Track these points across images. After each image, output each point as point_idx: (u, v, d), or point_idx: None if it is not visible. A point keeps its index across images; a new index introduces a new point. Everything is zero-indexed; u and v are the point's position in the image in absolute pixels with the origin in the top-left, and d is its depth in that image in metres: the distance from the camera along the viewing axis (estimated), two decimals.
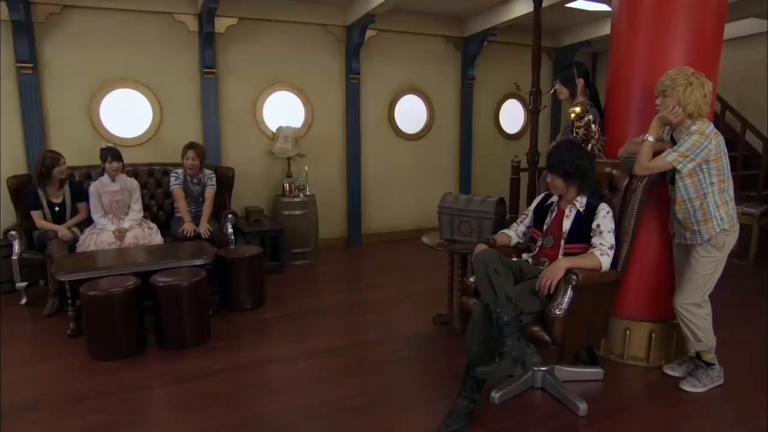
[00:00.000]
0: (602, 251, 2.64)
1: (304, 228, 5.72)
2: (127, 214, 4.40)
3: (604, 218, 2.70)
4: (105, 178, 4.36)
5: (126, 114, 5.36)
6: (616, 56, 3.28)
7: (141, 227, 4.39)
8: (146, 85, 5.38)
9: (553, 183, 2.79)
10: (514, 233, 3.05)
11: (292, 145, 5.63)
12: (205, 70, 5.51)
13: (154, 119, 5.46)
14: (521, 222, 3.09)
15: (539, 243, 2.89)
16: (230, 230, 4.89)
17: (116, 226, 4.27)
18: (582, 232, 2.74)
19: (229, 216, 4.93)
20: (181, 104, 5.55)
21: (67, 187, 4.43)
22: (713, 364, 2.95)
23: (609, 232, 2.68)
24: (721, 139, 2.69)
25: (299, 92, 6.09)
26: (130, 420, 2.67)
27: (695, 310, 2.85)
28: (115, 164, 4.32)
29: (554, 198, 2.91)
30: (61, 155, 4.32)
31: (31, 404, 2.81)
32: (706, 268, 2.81)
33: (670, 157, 2.68)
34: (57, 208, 4.37)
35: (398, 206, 6.89)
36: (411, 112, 6.86)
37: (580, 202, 2.77)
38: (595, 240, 2.68)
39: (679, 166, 2.67)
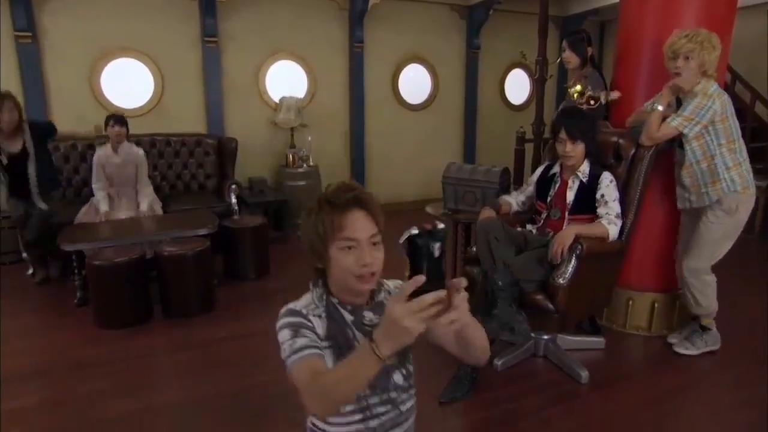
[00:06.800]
0: (609, 220, 2.62)
1: (308, 198, 5.70)
2: (136, 190, 4.30)
3: (608, 187, 2.68)
4: (108, 148, 4.22)
5: (127, 84, 5.29)
6: (625, 24, 3.20)
7: (137, 209, 4.25)
8: (147, 54, 5.30)
9: (560, 139, 2.71)
10: (514, 201, 3.04)
11: (295, 115, 5.59)
12: (206, 38, 5.42)
13: (155, 89, 5.40)
14: (522, 192, 3.06)
15: (544, 215, 2.86)
16: (234, 201, 4.88)
17: (107, 208, 4.13)
18: (586, 203, 2.72)
19: (233, 186, 4.92)
20: (182, 74, 5.48)
21: (27, 133, 3.87)
22: (710, 329, 2.96)
23: (614, 200, 2.66)
24: (726, 98, 2.64)
25: (302, 61, 6.00)
26: (136, 386, 2.72)
27: (700, 276, 2.83)
28: (117, 128, 4.09)
29: (556, 169, 2.88)
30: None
31: (39, 371, 2.85)
32: (714, 234, 2.77)
33: (675, 122, 2.64)
34: (17, 159, 3.85)
35: (402, 176, 6.85)
36: (415, 82, 6.76)
37: (583, 172, 2.74)
38: (600, 210, 2.67)
39: (685, 131, 2.64)
